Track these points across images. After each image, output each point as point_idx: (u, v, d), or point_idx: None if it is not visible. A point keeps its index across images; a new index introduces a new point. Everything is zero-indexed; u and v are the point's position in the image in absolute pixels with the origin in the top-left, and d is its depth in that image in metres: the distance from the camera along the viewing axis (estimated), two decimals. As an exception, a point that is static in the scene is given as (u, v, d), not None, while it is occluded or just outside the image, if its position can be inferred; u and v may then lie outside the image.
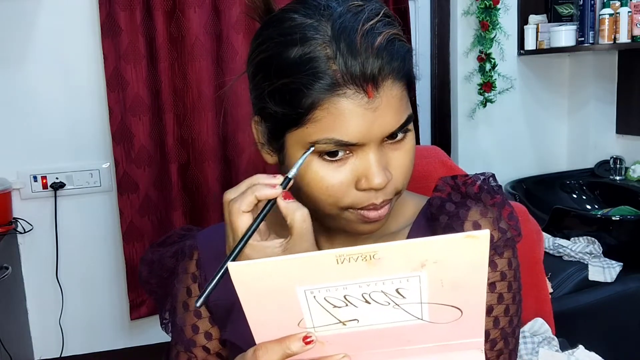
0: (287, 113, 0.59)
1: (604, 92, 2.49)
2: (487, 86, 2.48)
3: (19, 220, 2.12)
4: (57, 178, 2.15)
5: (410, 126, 0.62)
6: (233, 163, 2.21)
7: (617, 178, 2.36)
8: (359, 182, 0.60)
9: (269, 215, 0.57)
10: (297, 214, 0.56)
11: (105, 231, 2.24)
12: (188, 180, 2.19)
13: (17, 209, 2.13)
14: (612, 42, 2.19)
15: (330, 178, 0.59)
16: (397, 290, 0.45)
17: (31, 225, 2.15)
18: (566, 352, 1.22)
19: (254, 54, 0.62)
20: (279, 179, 0.57)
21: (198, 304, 0.49)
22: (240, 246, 0.54)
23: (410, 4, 2.39)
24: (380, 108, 0.57)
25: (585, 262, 1.82)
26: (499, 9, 2.43)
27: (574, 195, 2.48)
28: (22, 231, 2.13)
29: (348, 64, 0.56)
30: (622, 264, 1.82)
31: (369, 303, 0.45)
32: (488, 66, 2.48)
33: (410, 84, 0.62)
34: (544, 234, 1.75)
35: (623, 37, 2.16)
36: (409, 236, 0.71)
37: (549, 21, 2.51)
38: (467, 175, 0.74)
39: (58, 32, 2.09)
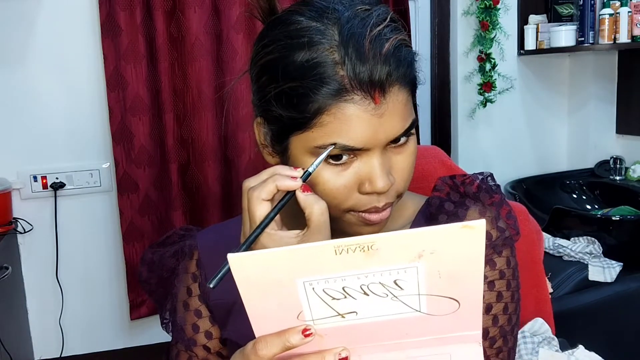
0: (293, 116, 0.59)
1: (604, 92, 2.49)
2: (487, 86, 2.48)
3: (19, 220, 2.12)
4: (57, 178, 2.15)
5: (413, 130, 0.63)
6: (233, 163, 2.21)
7: (617, 178, 2.36)
8: (362, 186, 0.60)
9: (283, 210, 0.57)
10: (315, 207, 0.56)
11: (105, 231, 2.24)
12: (188, 180, 2.19)
13: (17, 209, 2.13)
14: (612, 42, 2.19)
15: (334, 181, 0.60)
16: (395, 282, 0.45)
17: (31, 225, 2.15)
18: (566, 352, 1.22)
19: (259, 55, 0.62)
20: (300, 171, 0.58)
21: (212, 285, 0.49)
22: (257, 232, 0.55)
23: (410, 4, 2.40)
24: (386, 114, 0.58)
25: (585, 262, 1.82)
26: (499, 9, 2.43)
27: (574, 195, 2.48)
28: (22, 231, 2.13)
29: (356, 70, 0.56)
30: (622, 264, 1.82)
31: (367, 295, 0.46)
32: (488, 66, 2.48)
33: (415, 88, 0.63)
34: (544, 234, 1.76)
35: (623, 37, 2.16)
36: None
37: (549, 21, 2.51)
38: (465, 174, 0.74)
39: (58, 32, 2.09)
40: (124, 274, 2.21)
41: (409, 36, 0.63)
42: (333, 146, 0.58)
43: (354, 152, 0.59)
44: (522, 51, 2.55)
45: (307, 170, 0.58)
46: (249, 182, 0.58)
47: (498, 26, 2.46)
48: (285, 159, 0.63)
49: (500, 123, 2.63)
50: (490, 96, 2.50)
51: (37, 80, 2.10)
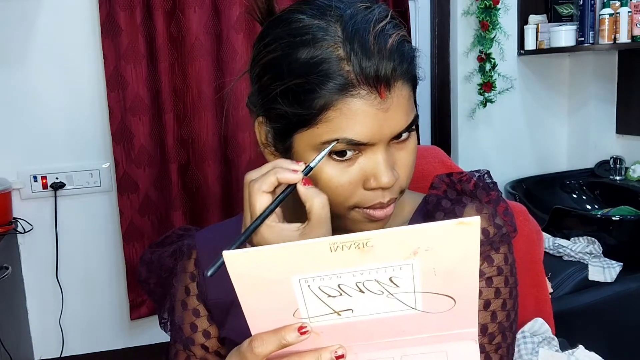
0: (298, 113, 0.59)
1: (604, 92, 2.49)
2: (487, 86, 2.48)
3: (19, 220, 2.12)
4: (57, 178, 2.15)
5: (414, 127, 0.63)
6: (233, 163, 2.21)
7: (617, 178, 2.36)
8: (368, 182, 0.61)
9: (284, 204, 0.57)
10: (316, 200, 0.57)
11: (105, 231, 2.24)
12: (188, 180, 2.19)
13: (17, 209, 2.13)
14: (612, 42, 2.19)
15: (339, 177, 0.60)
16: (390, 279, 0.45)
17: (31, 225, 2.15)
18: (566, 352, 1.22)
19: (261, 54, 0.62)
20: (301, 165, 0.58)
21: (209, 273, 0.50)
22: (257, 223, 0.56)
23: (410, 4, 2.40)
24: (391, 108, 0.58)
25: (585, 262, 1.82)
26: (499, 9, 2.43)
27: (574, 195, 2.48)
28: (22, 231, 2.13)
29: (363, 64, 0.57)
30: (622, 264, 1.82)
31: (363, 292, 0.46)
32: (488, 66, 2.48)
33: (416, 84, 0.63)
34: (544, 234, 1.75)
35: (623, 37, 2.16)
36: None
37: (549, 21, 2.51)
38: (462, 172, 0.74)
39: (58, 32, 2.09)
40: (124, 274, 2.21)
41: (409, 35, 0.64)
42: (336, 141, 0.58)
43: (359, 147, 0.59)
44: (522, 51, 2.55)
45: (308, 165, 0.58)
46: (251, 175, 0.59)
47: (498, 26, 2.46)
48: (288, 158, 0.63)
49: (500, 123, 2.63)
50: (490, 96, 2.50)
51: (37, 80, 2.10)
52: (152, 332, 2.29)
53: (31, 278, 2.19)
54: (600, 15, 2.21)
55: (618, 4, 2.19)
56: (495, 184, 0.73)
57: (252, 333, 0.49)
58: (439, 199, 0.72)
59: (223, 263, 0.49)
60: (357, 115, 0.57)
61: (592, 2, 2.25)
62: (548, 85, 2.67)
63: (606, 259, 1.85)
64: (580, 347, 1.26)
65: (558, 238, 1.96)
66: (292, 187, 0.57)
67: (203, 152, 2.17)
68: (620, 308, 1.78)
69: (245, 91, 2.13)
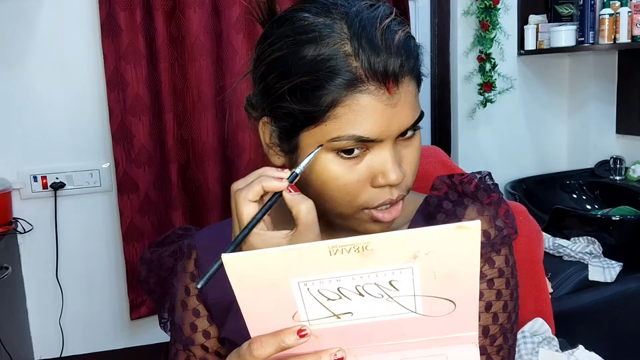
0: (306, 111, 0.59)
1: (604, 92, 2.49)
2: (487, 86, 2.48)
3: (19, 220, 2.12)
4: (57, 178, 2.15)
5: (419, 124, 0.63)
6: (233, 163, 2.21)
7: (617, 178, 2.36)
8: (375, 179, 0.60)
9: (274, 213, 0.57)
10: (302, 206, 0.57)
11: (105, 231, 2.24)
12: (188, 180, 2.19)
13: (17, 209, 2.13)
14: (612, 42, 2.19)
15: (347, 176, 0.60)
16: (390, 283, 0.45)
17: (31, 225, 2.15)
18: (566, 352, 1.22)
19: (266, 54, 0.62)
20: (286, 173, 0.58)
21: (199, 286, 0.50)
22: (245, 232, 0.55)
23: (410, 4, 2.40)
24: (399, 104, 0.58)
25: (585, 262, 1.82)
26: (499, 9, 2.43)
27: (574, 195, 2.48)
28: (22, 231, 2.13)
29: (371, 60, 0.57)
30: (622, 264, 1.82)
31: (363, 296, 0.45)
32: (488, 66, 2.48)
33: (421, 81, 0.63)
34: (544, 234, 1.75)
35: (623, 37, 2.16)
36: None
37: (549, 21, 2.51)
38: (463, 174, 0.74)
39: (58, 32, 2.09)
40: (124, 274, 2.21)
41: (410, 34, 0.64)
42: (321, 147, 0.58)
43: (367, 144, 0.59)
44: (522, 51, 2.55)
45: (294, 171, 0.58)
46: (237, 184, 0.59)
47: (498, 26, 2.46)
48: (294, 157, 0.63)
49: (500, 123, 2.63)
50: (490, 96, 2.50)
51: (37, 80, 2.10)
52: (152, 332, 2.29)
53: (31, 278, 2.19)
54: (600, 15, 2.21)
55: (618, 4, 2.19)
56: (496, 185, 0.73)
57: (251, 335, 0.49)
58: (440, 200, 0.72)
59: (213, 274, 0.50)
60: (366, 110, 0.57)
61: (592, 2, 2.25)
62: (548, 85, 2.67)
63: (606, 259, 1.85)
64: (580, 347, 1.26)
65: (558, 238, 1.96)
66: (277, 195, 0.57)
67: (203, 152, 2.17)
68: (620, 308, 1.78)
69: (245, 91, 2.13)
